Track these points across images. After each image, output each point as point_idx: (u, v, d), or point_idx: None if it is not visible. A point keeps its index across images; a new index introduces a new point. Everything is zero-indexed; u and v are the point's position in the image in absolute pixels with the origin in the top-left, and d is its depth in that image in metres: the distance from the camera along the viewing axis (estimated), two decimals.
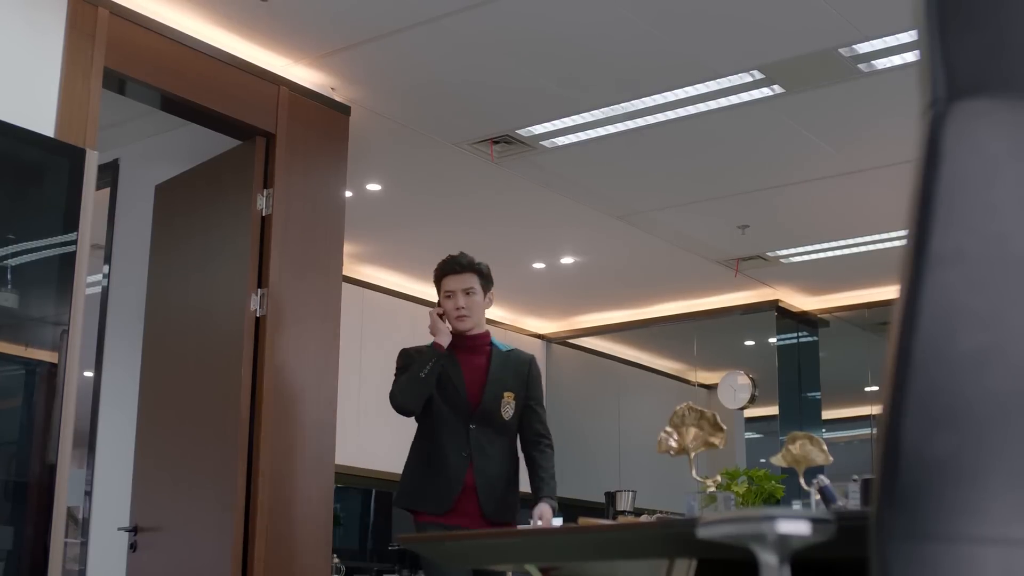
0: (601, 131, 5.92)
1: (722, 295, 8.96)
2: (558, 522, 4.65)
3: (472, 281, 4.54)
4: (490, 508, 4.30)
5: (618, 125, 5.84)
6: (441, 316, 4.52)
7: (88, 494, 5.81)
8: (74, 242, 3.96)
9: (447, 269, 4.58)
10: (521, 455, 4.49)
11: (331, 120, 5.44)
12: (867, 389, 9.24)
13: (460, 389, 4.42)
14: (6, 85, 4.15)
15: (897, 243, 7.38)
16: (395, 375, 4.50)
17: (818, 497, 2.74)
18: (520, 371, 4.51)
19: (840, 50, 5.01)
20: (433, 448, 4.38)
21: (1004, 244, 0.95)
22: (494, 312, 9.36)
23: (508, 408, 4.41)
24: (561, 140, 6.04)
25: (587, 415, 9.99)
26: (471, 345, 4.52)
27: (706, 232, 7.55)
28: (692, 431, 2.82)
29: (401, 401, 4.43)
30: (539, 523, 4.18)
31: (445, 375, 4.42)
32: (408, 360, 4.48)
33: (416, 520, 4.35)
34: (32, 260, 4.12)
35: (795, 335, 9.16)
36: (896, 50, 5.00)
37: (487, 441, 4.38)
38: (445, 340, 4.46)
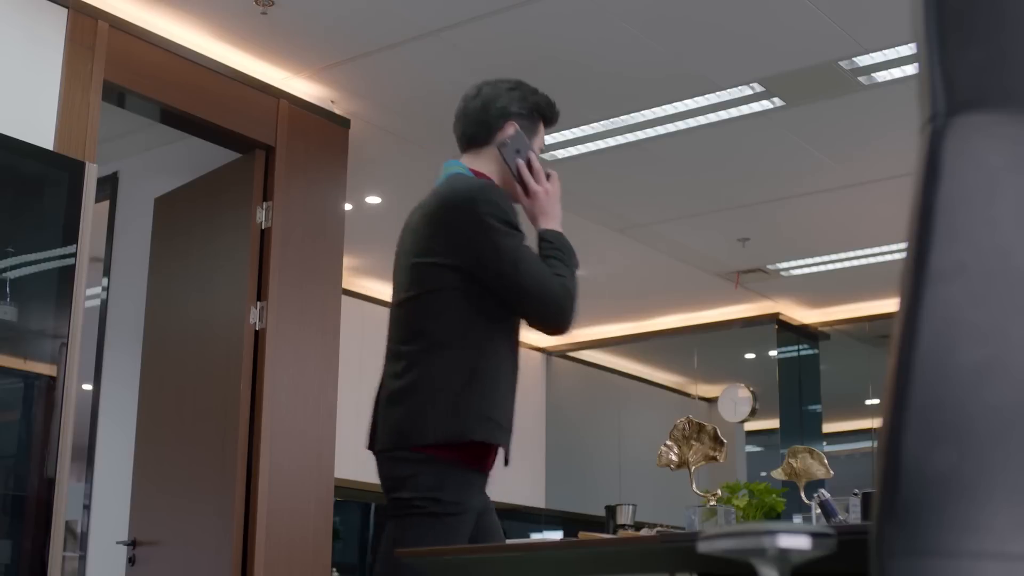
0: (601, 144, 5.92)
1: (722, 308, 8.96)
2: None
3: None
4: None
5: (618, 138, 5.84)
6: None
7: (87, 508, 5.80)
8: (73, 255, 3.96)
9: (555, 115, 3.08)
10: None
11: (331, 133, 5.44)
12: (868, 402, 9.23)
13: None
14: (6, 98, 4.16)
15: (897, 256, 7.38)
16: (512, 244, 2.73)
17: (819, 511, 2.73)
18: None
19: (840, 63, 5.02)
20: (512, 369, 2.86)
21: (1005, 258, 0.94)
22: None
23: None
24: (561, 153, 6.04)
25: (587, 428, 9.98)
26: None
27: (706, 245, 7.55)
28: (692, 445, 2.82)
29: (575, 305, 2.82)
30: None
31: None
32: (516, 224, 2.80)
33: (468, 467, 2.76)
34: (31, 273, 4.12)
35: (796, 348, 9.15)
36: (896, 63, 5.00)
37: None
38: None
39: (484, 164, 2.89)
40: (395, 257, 2.98)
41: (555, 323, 2.73)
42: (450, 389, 2.67)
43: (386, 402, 2.78)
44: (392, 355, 2.84)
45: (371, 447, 2.86)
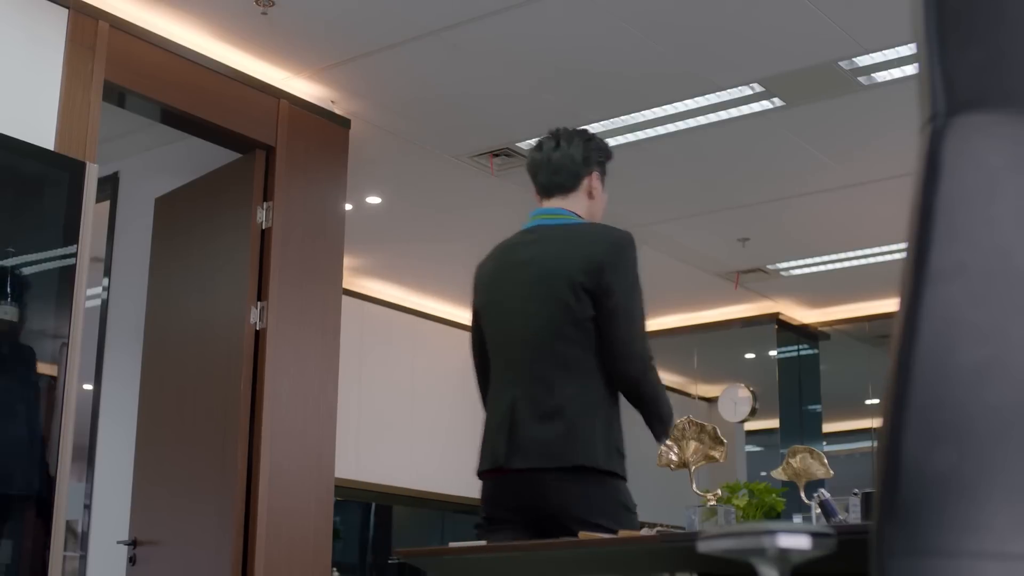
0: None
1: (722, 308, 8.96)
2: None
3: None
4: None
5: (618, 138, 5.84)
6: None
7: (87, 507, 5.80)
8: (74, 255, 3.96)
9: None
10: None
11: (331, 133, 5.44)
12: (868, 402, 9.23)
13: None
14: (6, 98, 4.16)
15: (897, 256, 7.38)
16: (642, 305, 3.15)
17: (819, 511, 2.73)
18: None
19: (840, 63, 5.02)
20: None
21: (1004, 258, 0.94)
22: None
23: None
24: None
25: None
26: None
27: (706, 245, 7.55)
28: (692, 444, 2.82)
29: None
30: None
31: None
32: None
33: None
34: (32, 273, 4.12)
35: (796, 348, 9.15)
36: (896, 63, 5.00)
37: None
38: None
39: (577, 207, 3.23)
40: (505, 285, 3.23)
41: (641, 367, 3.06)
42: (602, 414, 2.98)
43: (537, 421, 2.97)
44: (536, 378, 3.04)
45: (499, 465, 3.04)
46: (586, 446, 2.92)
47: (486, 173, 6.24)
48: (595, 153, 3.27)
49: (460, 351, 10.05)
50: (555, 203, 3.23)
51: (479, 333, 3.29)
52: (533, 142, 5.80)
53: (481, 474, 3.11)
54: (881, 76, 5.13)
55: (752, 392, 9.30)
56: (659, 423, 3.07)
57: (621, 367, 3.01)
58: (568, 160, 3.22)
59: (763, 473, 8.23)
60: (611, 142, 5.86)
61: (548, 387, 2.99)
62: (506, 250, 3.27)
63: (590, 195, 3.23)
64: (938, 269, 0.95)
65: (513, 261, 3.21)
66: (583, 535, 2.72)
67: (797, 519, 3.78)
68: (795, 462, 2.80)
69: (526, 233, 3.23)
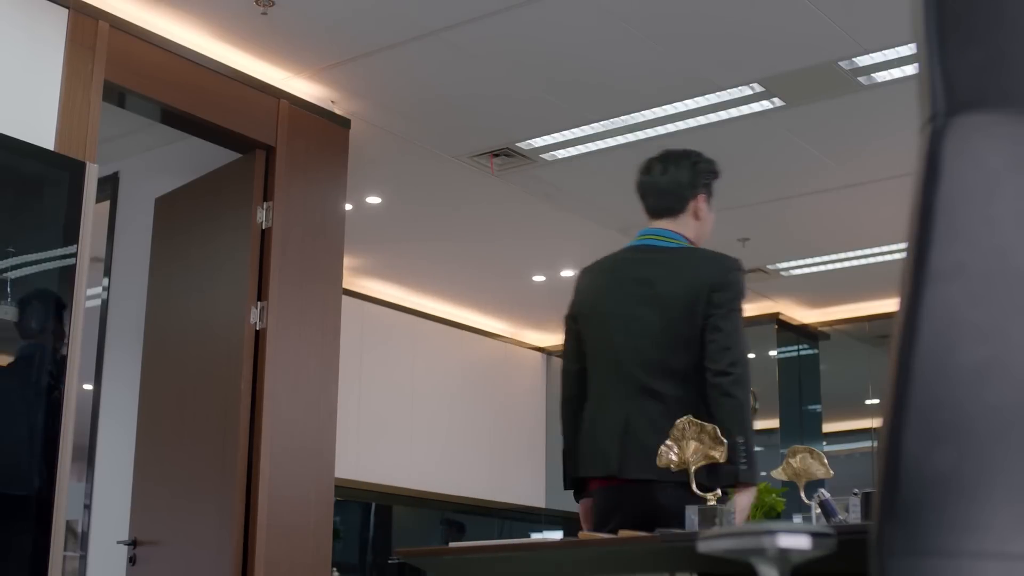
0: (601, 144, 5.92)
1: None
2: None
3: None
4: None
5: (618, 138, 5.84)
6: None
7: (87, 507, 5.80)
8: (74, 255, 3.96)
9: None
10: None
11: (331, 133, 5.44)
12: (868, 402, 9.22)
13: None
14: (6, 98, 4.16)
15: (898, 256, 7.38)
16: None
17: (819, 511, 2.73)
18: None
19: (840, 63, 5.02)
20: None
21: (1004, 258, 0.94)
22: (493, 324, 9.37)
23: None
24: (561, 153, 6.04)
25: None
26: None
27: (706, 245, 7.54)
28: (692, 445, 2.81)
29: None
30: None
31: None
32: None
33: None
34: (32, 273, 4.11)
35: (796, 348, 9.15)
36: (896, 63, 5.00)
37: None
38: None
39: (685, 229, 3.35)
40: (615, 298, 3.30)
41: (727, 383, 3.17)
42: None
43: (652, 434, 2.98)
44: (650, 392, 3.15)
45: (611, 474, 3.11)
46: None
47: (486, 173, 6.24)
48: (701, 176, 3.37)
49: (460, 351, 10.09)
50: (663, 224, 3.35)
51: (576, 340, 3.36)
52: (534, 142, 5.87)
53: (581, 480, 3.21)
54: (881, 76, 5.13)
55: (752, 392, 9.28)
56: (731, 451, 3.05)
57: (712, 382, 3.11)
58: (674, 184, 3.33)
59: (763, 473, 8.22)
60: (611, 142, 5.91)
61: (661, 401, 3.10)
62: (616, 264, 3.37)
63: (696, 216, 3.35)
64: (938, 269, 0.95)
65: (624, 276, 3.30)
66: (583, 535, 2.72)
67: (797, 519, 3.79)
68: (795, 462, 2.80)
69: (636, 251, 3.35)
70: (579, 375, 3.34)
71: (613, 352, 3.24)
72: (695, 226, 3.36)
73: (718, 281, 3.19)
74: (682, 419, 2.70)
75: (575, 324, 3.37)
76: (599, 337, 3.29)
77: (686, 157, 3.38)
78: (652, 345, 3.17)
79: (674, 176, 3.34)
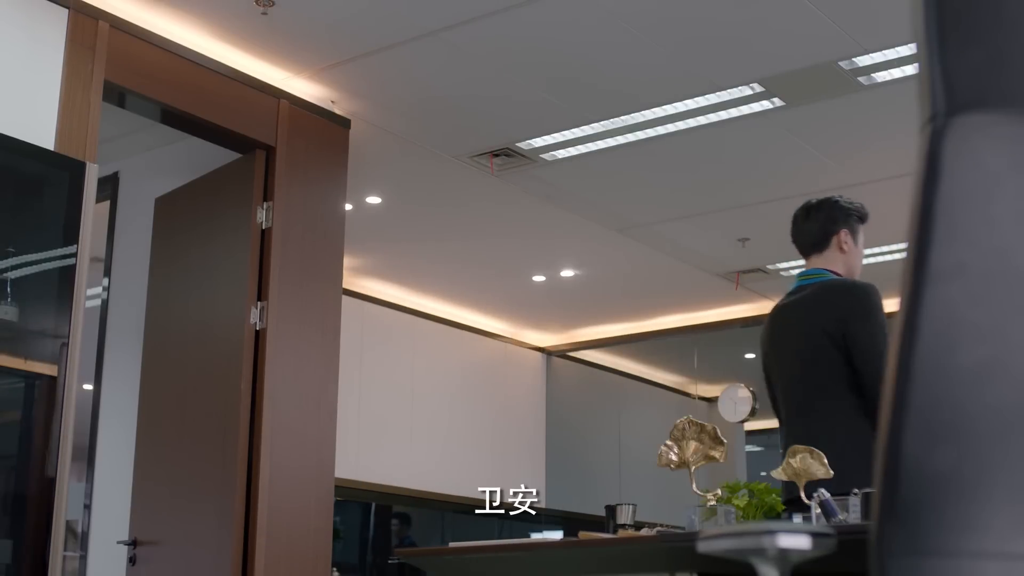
0: (601, 144, 5.92)
1: (723, 308, 8.96)
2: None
3: None
4: None
5: (618, 138, 5.84)
6: None
7: (87, 507, 5.80)
8: (74, 255, 3.96)
9: (868, 214, 3.85)
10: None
11: (331, 133, 5.45)
12: None
13: None
14: (6, 98, 4.16)
15: (897, 256, 7.37)
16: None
17: (819, 511, 2.73)
18: None
19: (840, 63, 5.02)
20: None
21: (1004, 258, 0.94)
22: (493, 325, 9.37)
23: None
24: (561, 153, 6.04)
25: (587, 428, 9.98)
26: None
27: (706, 245, 7.55)
28: (692, 444, 2.82)
29: None
30: None
31: None
32: None
33: None
34: (32, 273, 4.12)
35: None
36: (896, 63, 5.00)
37: None
38: None
39: (833, 264, 3.67)
40: (779, 343, 3.69)
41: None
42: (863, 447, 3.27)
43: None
44: (812, 420, 3.48)
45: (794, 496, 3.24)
46: (852, 477, 3.03)
47: (486, 173, 6.24)
48: (840, 213, 3.69)
49: (460, 351, 10.09)
50: (814, 263, 3.70)
51: (771, 387, 3.74)
52: (534, 142, 5.87)
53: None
54: (881, 76, 5.13)
55: (752, 392, 9.30)
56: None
57: (870, 405, 3.35)
58: (815, 226, 3.69)
59: (763, 473, 8.23)
60: (611, 142, 5.91)
61: (822, 429, 3.38)
62: (779, 311, 3.72)
63: (841, 249, 3.65)
64: (938, 269, 0.95)
65: (782, 320, 3.67)
66: (583, 535, 2.72)
67: (797, 519, 3.79)
68: (795, 462, 2.80)
69: (792, 293, 3.70)
70: (779, 413, 3.74)
71: (786, 393, 3.69)
72: (843, 259, 3.66)
73: (852, 309, 3.46)
74: (682, 419, 2.70)
75: (768, 373, 3.81)
76: (777, 380, 3.76)
77: (825, 202, 3.72)
78: (809, 379, 3.56)
79: (815, 219, 3.71)
